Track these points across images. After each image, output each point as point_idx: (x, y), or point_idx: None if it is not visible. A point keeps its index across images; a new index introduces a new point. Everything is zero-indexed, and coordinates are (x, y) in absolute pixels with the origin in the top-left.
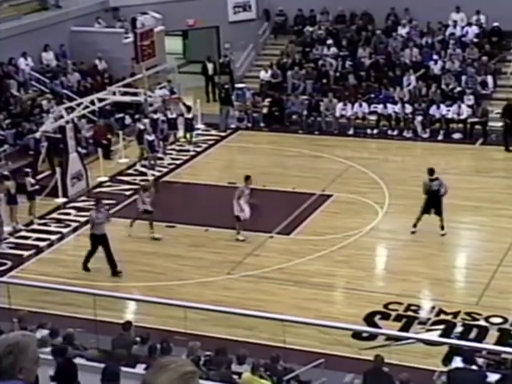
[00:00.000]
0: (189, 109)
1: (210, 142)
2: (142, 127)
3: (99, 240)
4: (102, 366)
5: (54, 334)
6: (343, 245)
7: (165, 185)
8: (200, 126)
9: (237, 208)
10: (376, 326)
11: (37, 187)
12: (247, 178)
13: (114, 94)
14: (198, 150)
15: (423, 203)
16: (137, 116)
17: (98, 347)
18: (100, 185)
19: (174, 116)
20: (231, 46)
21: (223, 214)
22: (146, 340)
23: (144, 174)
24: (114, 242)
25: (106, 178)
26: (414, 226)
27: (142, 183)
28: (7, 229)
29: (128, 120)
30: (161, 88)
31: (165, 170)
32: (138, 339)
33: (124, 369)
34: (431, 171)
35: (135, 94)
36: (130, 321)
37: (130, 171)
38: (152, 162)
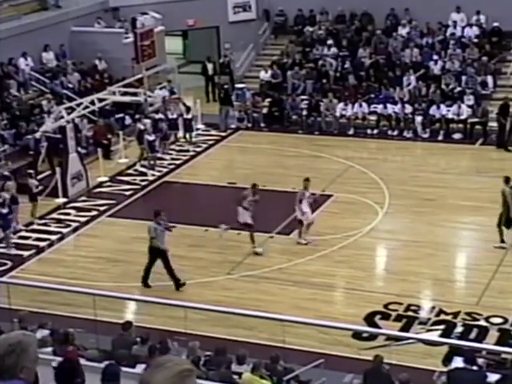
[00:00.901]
0: (188, 109)
1: (210, 142)
2: (142, 127)
3: (158, 253)
4: (102, 366)
5: (55, 334)
6: (343, 245)
7: (165, 185)
8: (200, 126)
9: (298, 212)
10: (376, 326)
11: (40, 188)
12: (306, 181)
13: (114, 94)
14: (198, 150)
15: (504, 215)
16: (137, 116)
17: (98, 347)
18: (100, 185)
19: (175, 116)
20: (231, 46)
21: (223, 214)
22: (146, 340)
23: (144, 174)
24: (114, 242)
25: (105, 178)
26: (502, 241)
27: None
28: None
29: (128, 120)
30: (161, 88)
31: (165, 170)
32: (138, 339)
33: (124, 369)
34: (507, 179)
35: (135, 94)
36: (130, 321)
37: (130, 171)
38: (152, 162)
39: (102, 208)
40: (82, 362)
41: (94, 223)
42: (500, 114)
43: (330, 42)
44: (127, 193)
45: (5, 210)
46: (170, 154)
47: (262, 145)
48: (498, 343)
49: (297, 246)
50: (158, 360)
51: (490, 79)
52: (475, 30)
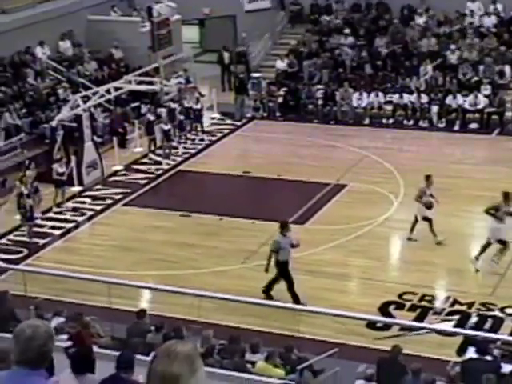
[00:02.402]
0: (197, 99)
1: (226, 131)
2: (151, 118)
3: (283, 266)
4: (117, 353)
5: (70, 321)
6: (358, 235)
7: (180, 174)
8: (215, 115)
9: (421, 208)
10: (391, 315)
11: (64, 177)
12: (428, 178)
13: (130, 82)
14: (213, 139)
15: None
16: (146, 107)
17: (113, 335)
18: (115, 173)
19: (191, 105)
20: (247, 36)
21: (238, 203)
22: (161, 328)
23: (159, 163)
24: (128, 231)
25: (121, 167)
26: None
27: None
28: (17, 217)
29: (144, 109)
30: (177, 77)
31: (179, 159)
32: (152, 327)
33: (138, 357)
34: None
35: (151, 83)
36: (144, 309)
37: (145, 160)
38: (167, 151)
39: (116, 197)
40: (97, 349)
41: (109, 212)
42: None
43: (346, 31)
44: (142, 182)
45: (30, 201)
46: (185, 143)
47: (277, 134)
48: None
49: (311, 236)
50: (164, 347)
51: (507, 69)
52: (493, 19)
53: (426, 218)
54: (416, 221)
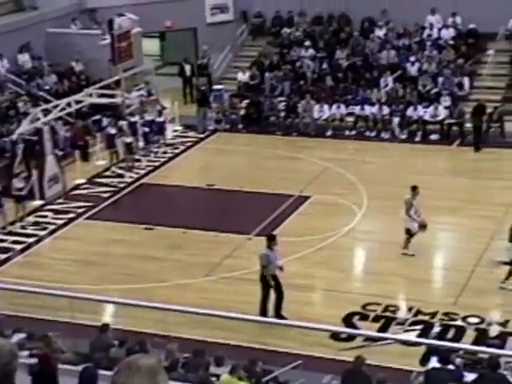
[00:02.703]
0: (160, 112)
1: (188, 144)
2: (112, 131)
3: (270, 281)
4: (80, 369)
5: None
6: (321, 246)
7: (143, 187)
8: (178, 127)
9: (409, 221)
10: (354, 326)
11: (22, 192)
12: (414, 189)
13: (91, 95)
14: (176, 151)
15: None
16: (107, 121)
17: (76, 350)
18: (77, 187)
19: (158, 119)
20: (209, 48)
21: (201, 215)
22: (124, 342)
23: (121, 176)
24: (91, 245)
25: (83, 181)
26: None
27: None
28: None
29: (105, 122)
30: (138, 90)
31: (142, 171)
32: (115, 342)
33: (102, 372)
34: None
35: (112, 96)
36: (107, 323)
37: (108, 173)
38: (130, 164)
39: (79, 210)
40: (60, 365)
41: (71, 226)
42: (473, 115)
43: (307, 43)
44: (105, 195)
45: None
46: (148, 156)
47: (240, 146)
48: (474, 343)
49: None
50: (126, 361)
51: (466, 80)
52: (451, 32)
53: (408, 231)
54: (412, 235)
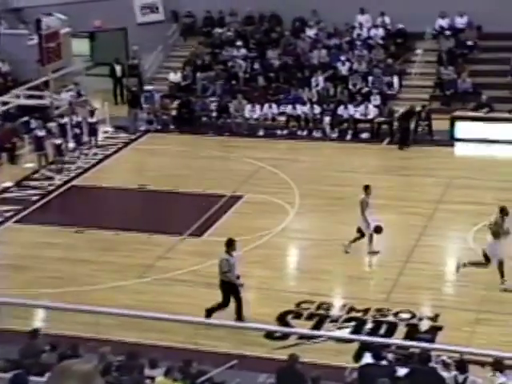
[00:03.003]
0: (92, 112)
1: (120, 145)
2: (40, 133)
3: (231, 287)
4: (10, 376)
5: None
6: (255, 245)
7: (73, 189)
8: (108, 128)
9: (364, 222)
10: (288, 325)
11: None
12: (367, 188)
13: (19, 97)
14: (108, 153)
15: None
16: (35, 122)
17: (5, 357)
18: (5, 190)
19: (90, 119)
20: (139, 48)
21: (134, 217)
22: (56, 347)
23: (51, 178)
24: (21, 249)
25: (11, 184)
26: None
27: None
28: None
29: (34, 124)
30: (67, 91)
31: (73, 174)
32: (46, 347)
33: (33, 378)
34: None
35: (41, 97)
36: (37, 328)
37: (37, 176)
38: (59, 166)
39: (7, 214)
40: None
41: (0, 229)
42: (401, 118)
43: (239, 43)
44: (34, 198)
45: None
46: (78, 158)
47: (172, 147)
48: (406, 338)
49: (209, 248)
50: (60, 367)
51: (395, 79)
52: (380, 32)
53: (359, 230)
54: (371, 234)
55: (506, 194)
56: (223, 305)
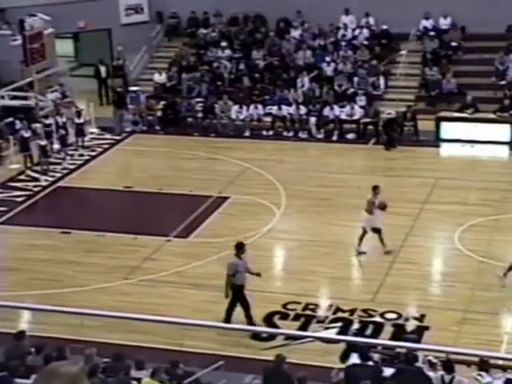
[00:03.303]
0: (79, 113)
1: (105, 146)
2: (25, 134)
3: (239, 291)
4: None
5: None
6: None
7: (59, 190)
8: (94, 129)
9: (373, 220)
10: (275, 326)
11: None
12: (375, 188)
13: (3, 98)
14: (93, 154)
15: None
16: (20, 123)
17: None
18: None
19: (77, 120)
20: (124, 49)
21: (119, 218)
22: (41, 350)
23: (37, 179)
24: (7, 250)
25: None
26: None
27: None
28: None
29: (18, 125)
30: (52, 92)
31: (58, 175)
32: (32, 349)
33: (18, 380)
34: None
35: (25, 98)
36: (23, 330)
37: (22, 177)
38: (44, 167)
39: None
40: None
41: None
42: (385, 126)
43: (223, 44)
44: (19, 199)
45: None
46: (64, 159)
47: (158, 148)
48: (392, 338)
49: (195, 249)
50: (47, 369)
51: (381, 80)
52: (365, 33)
53: (375, 229)
54: (364, 233)
55: (490, 194)
56: (231, 308)
